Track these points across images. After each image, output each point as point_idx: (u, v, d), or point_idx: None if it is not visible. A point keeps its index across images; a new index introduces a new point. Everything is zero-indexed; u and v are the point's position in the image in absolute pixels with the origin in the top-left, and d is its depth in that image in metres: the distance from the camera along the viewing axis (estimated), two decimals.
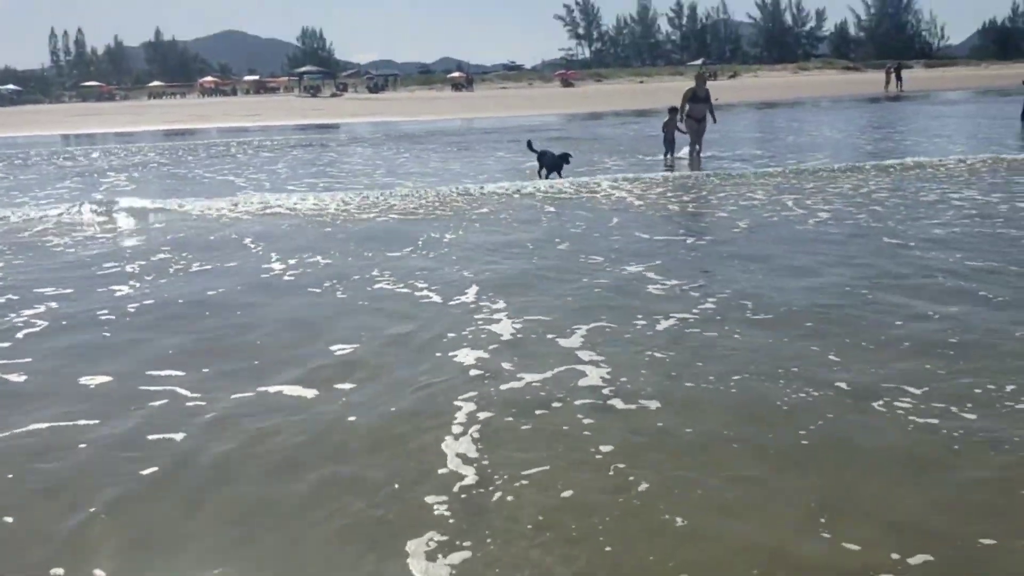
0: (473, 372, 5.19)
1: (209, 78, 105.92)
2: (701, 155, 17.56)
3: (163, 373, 5.35)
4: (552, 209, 11.93)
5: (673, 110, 17.32)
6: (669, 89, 66.95)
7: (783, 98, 48.28)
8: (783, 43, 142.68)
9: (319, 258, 8.87)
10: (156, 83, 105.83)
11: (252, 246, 9.72)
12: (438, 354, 5.56)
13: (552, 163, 15.52)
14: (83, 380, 5.27)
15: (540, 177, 15.46)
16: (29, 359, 5.70)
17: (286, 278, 8.02)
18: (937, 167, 14.66)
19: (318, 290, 7.46)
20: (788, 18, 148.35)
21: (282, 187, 15.38)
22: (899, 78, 52.97)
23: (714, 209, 11.55)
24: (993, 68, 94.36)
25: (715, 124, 17.89)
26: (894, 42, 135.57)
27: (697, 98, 17.16)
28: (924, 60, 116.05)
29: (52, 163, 23.06)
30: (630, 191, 13.38)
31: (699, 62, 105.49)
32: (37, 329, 6.43)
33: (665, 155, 17.62)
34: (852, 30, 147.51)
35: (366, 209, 12.25)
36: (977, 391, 4.63)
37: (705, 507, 3.54)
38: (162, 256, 9.26)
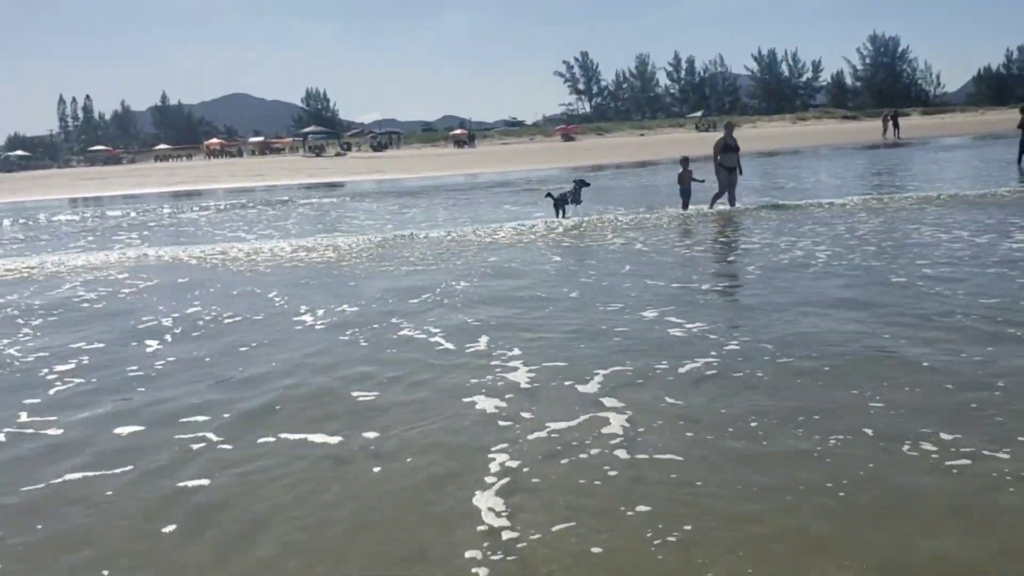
0: (500, 422, 5.15)
1: (215, 140, 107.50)
2: (736, 205, 17.11)
3: (191, 420, 5.43)
4: (558, 258, 12.02)
5: (685, 160, 17.20)
6: (670, 141, 67.93)
7: (783, 147, 48.75)
8: (781, 94, 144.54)
9: (345, 307, 8.99)
10: (162, 146, 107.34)
11: (277, 299, 9.83)
12: (463, 401, 5.58)
13: (572, 194, 17.32)
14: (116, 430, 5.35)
15: (559, 216, 17.07)
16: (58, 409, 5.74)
17: (317, 326, 8.14)
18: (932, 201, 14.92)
19: (344, 337, 7.54)
20: (785, 69, 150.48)
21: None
22: (896, 125, 53.54)
23: (723, 253, 11.62)
24: (990, 113, 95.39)
25: (740, 175, 17.45)
26: (891, 91, 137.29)
27: (728, 148, 16.94)
28: (921, 107, 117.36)
29: (66, 224, 23.30)
30: (635, 237, 13.52)
31: (698, 114, 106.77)
32: (72, 384, 6.47)
33: (684, 207, 17.13)
34: (848, 80, 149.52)
35: (380, 259, 12.39)
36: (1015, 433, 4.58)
37: (739, 566, 3.42)
38: (193, 309, 9.34)
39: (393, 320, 8.22)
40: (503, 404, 5.48)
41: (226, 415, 5.55)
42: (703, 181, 17.35)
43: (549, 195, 17.85)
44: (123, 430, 5.39)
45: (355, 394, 5.83)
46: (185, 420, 5.50)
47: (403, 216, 20.20)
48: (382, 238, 15.33)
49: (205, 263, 13.46)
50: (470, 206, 22.15)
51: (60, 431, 5.46)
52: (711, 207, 17.05)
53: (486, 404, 5.49)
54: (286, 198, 29.66)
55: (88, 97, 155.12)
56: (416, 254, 13.14)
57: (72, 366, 7.11)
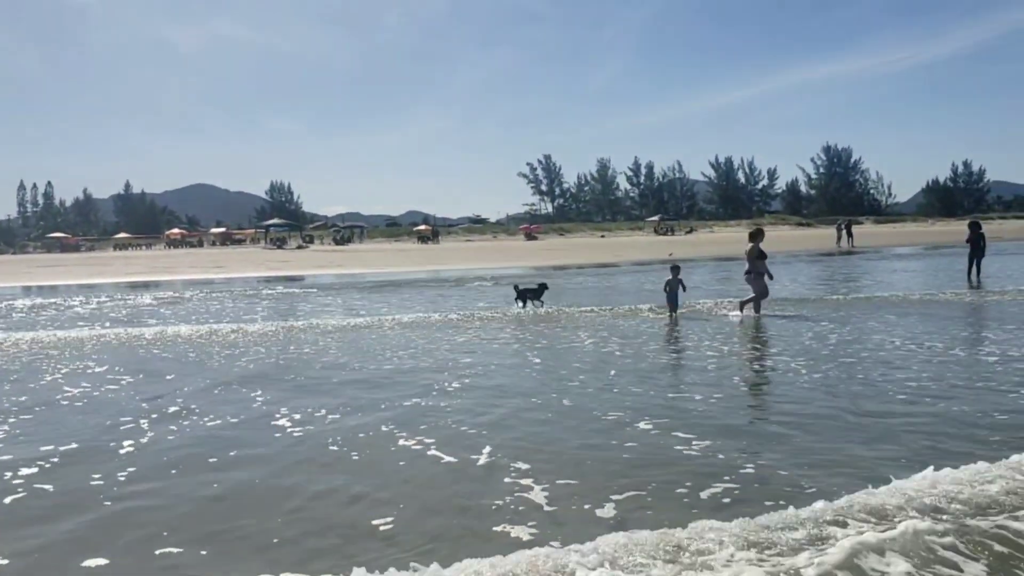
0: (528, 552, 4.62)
1: (176, 230, 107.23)
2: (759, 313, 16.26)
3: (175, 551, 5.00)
4: (538, 361, 11.77)
5: (676, 268, 16.80)
6: (629, 244, 69.02)
7: (739, 253, 49.55)
8: (737, 200, 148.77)
9: (327, 414, 8.56)
10: (122, 235, 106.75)
11: (256, 396, 9.44)
12: (484, 526, 5.23)
13: (535, 293, 19.22)
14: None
15: (521, 307, 18.89)
16: None
17: (294, 432, 7.74)
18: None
19: (335, 448, 7.12)
20: (741, 176, 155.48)
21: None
22: (850, 234, 54.94)
23: (706, 359, 11.45)
24: (939, 224, 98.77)
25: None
26: (844, 199, 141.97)
27: (762, 254, 16.54)
28: (874, 216, 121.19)
29: (16, 314, 22.63)
30: (608, 338, 13.40)
31: (656, 218, 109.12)
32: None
33: (670, 314, 16.58)
34: (803, 188, 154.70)
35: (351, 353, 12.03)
36: None
37: None
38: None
39: (384, 428, 7.84)
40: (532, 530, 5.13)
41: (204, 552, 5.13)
42: (686, 291, 17.12)
43: (515, 287, 19.92)
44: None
45: (374, 521, 5.44)
46: None
47: (368, 308, 19.92)
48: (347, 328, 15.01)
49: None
50: (437, 303, 21.94)
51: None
52: (756, 312, 16.25)
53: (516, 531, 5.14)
54: (245, 289, 29.26)
55: (49, 183, 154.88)
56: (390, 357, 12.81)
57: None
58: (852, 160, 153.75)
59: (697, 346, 12.79)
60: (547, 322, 16.21)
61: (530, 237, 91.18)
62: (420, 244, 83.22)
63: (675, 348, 12.80)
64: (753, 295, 16.43)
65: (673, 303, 16.75)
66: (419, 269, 41.06)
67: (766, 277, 16.47)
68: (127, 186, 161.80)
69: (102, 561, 4.84)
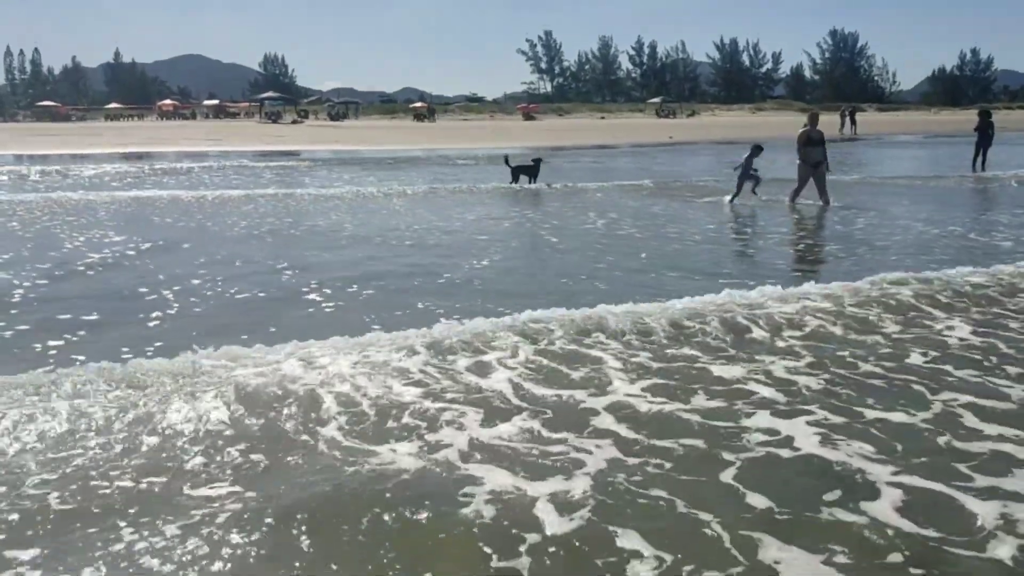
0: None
1: (168, 101, 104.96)
2: (831, 203, 15.04)
3: None
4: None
5: (756, 149, 15.75)
6: (630, 126, 68.09)
7: (741, 138, 49.03)
8: (740, 84, 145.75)
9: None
10: (114, 105, 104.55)
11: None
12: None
13: (530, 171, 19.29)
14: None
15: (516, 183, 19.16)
16: None
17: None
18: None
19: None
20: (746, 59, 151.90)
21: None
22: (853, 121, 54.17)
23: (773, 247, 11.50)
24: (944, 114, 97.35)
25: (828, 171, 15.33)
26: (848, 85, 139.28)
27: (812, 141, 15.09)
28: (877, 104, 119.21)
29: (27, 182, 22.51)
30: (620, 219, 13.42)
31: (658, 100, 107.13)
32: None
33: (732, 198, 15.74)
34: (808, 73, 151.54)
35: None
36: None
37: None
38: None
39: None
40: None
41: None
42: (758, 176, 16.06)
43: (506, 162, 20.07)
44: None
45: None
46: None
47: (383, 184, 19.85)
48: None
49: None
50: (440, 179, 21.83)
51: None
52: (791, 203, 15.30)
53: None
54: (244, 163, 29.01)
55: (36, 50, 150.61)
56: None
57: None
58: (858, 46, 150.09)
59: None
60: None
61: (528, 117, 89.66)
62: (416, 122, 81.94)
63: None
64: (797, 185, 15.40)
65: (740, 184, 15.75)
66: (416, 147, 40.63)
67: (815, 168, 15.05)
68: (116, 55, 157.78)
69: None
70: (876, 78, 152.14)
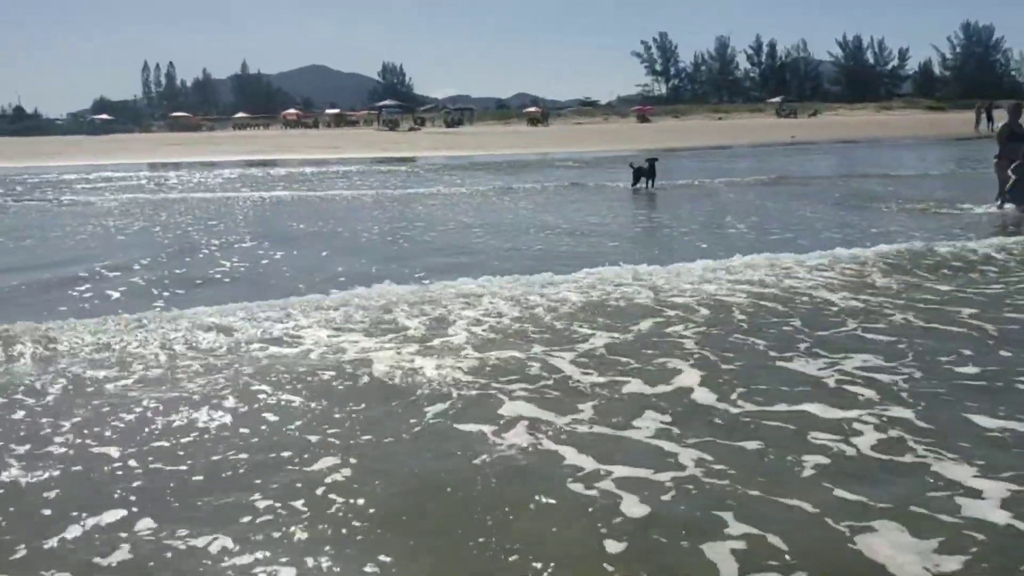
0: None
1: (292, 110, 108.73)
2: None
3: None
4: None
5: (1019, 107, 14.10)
6: (749, 126, 66.42)
7: (865, 136, 47.05)
8: (865, 82, 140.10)
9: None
10: (241, 114, 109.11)
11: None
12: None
13: (648, 172, 19.11)
14: None
15: (635, 188, 19.14)
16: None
17: None
18: None
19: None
20: (870, 56, 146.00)
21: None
22: (990, 118, 51.17)
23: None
24: None
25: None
26: (981, 81, 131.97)
27: (1015, 135, 13.85)
28: (1014, 100, 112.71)
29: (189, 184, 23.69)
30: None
31: (778, 99, 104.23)
32: None
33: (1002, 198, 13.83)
34: (937, 69, 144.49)
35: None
36: None
37: None
38: None
39: None
40: None
41: None
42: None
43: (631, 165, 20.00)
44: None
45: None
46: None
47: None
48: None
49: None
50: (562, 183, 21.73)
51: None
52: (999, 206, 13.74)
53: None
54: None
55: (171, 64, 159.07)
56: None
57: None
58: (993, 39, 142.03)
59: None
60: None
61: (642, 119, 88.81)
62: (530, 127, 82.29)
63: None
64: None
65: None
66: (529, 151, 40.67)
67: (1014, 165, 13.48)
68: (244, 66, 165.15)
69: None
70: (1013, 72, 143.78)
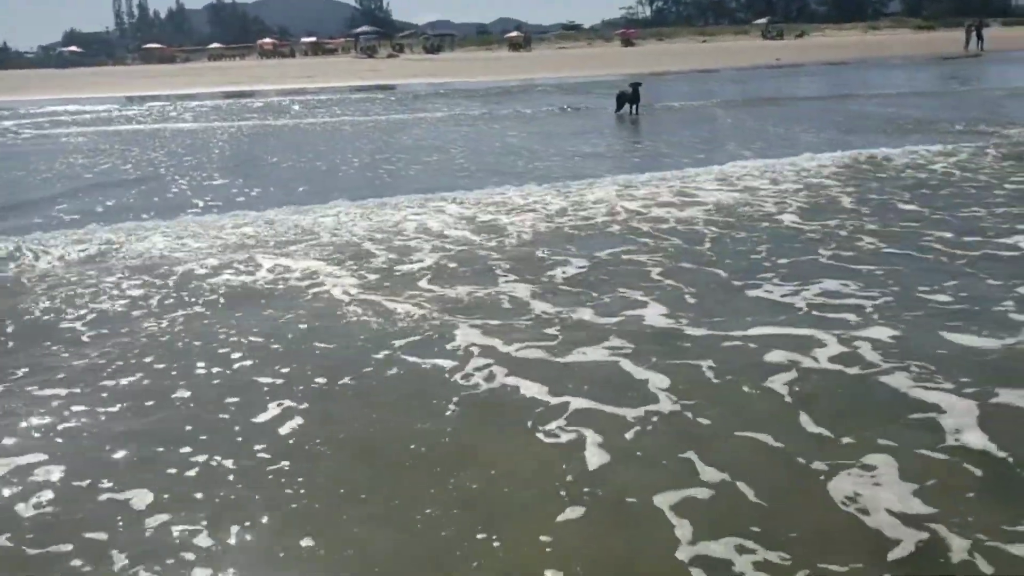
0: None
1: (268, 40, 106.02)
2: None
3: None
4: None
5: None
6: (734, 49, 65.26)
7: (852, 58, 46.30)
8: (851, 1, 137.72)
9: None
10: (216, 45, 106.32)
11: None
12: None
13: (632, 97, 18.37)
14: None
15: (618, 112, 18.54)
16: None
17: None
18: None
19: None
20: None
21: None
22: (980, 37, 50.39)
23: None
24: None
25: None
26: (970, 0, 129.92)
27: None
28: (1002, 18, 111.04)
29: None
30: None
31: (764, 21, 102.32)
32: None
33: None
34: None
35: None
36: None
37: None
38: None
39: None
40: None
41: None
42: None
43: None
44: None
45: None
46: None
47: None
48: None
49: None
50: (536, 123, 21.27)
51: None
52: None
53: None
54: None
55: None
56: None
57: None
58: None
59: None
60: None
61: (627, 43, 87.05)
62: (512, 52, 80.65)
63: None
64: None
65: None
66: (513, 78, 39.83)
67: None
68: None
69: None
70: None
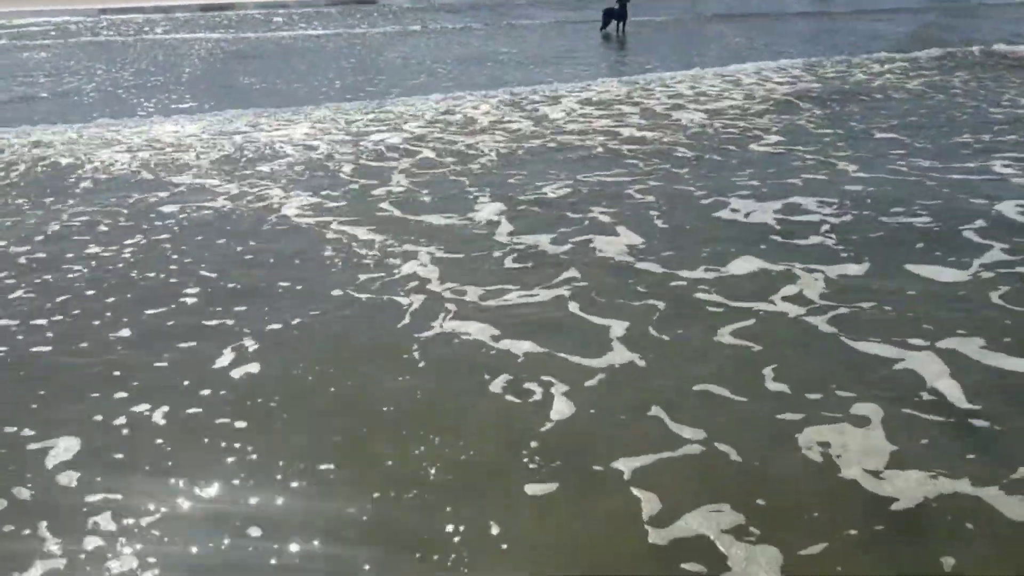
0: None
1: None
2: None
3: None
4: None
5: None
6: None
7: None
8: None
9: None
10: None
11: None
12: None
13: (619, 14, 17.38)
14: None
15: (604, 30, 17.72)
16: None
17: None
18: None
19: None
20: None
21: None
22: None
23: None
24: None
25: None
26: None
27: None
28: None
29: None
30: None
31: None
32: None
33: None
34: None
35: None
36: None
37: None
38: None
39: None
40: None
41: None
42: None
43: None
44: None
45: None
46: None
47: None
48: None
49: None
50: None
51: None
52: None
53: None
54: None
55: None
56: None
57: None
58: None
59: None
60: None
61: None
62: None
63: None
64: None
65: None
66: None
67: None
68: None
69: None
70: None
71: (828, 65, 11.84)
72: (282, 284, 4.58)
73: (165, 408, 3.32)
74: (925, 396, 3.23)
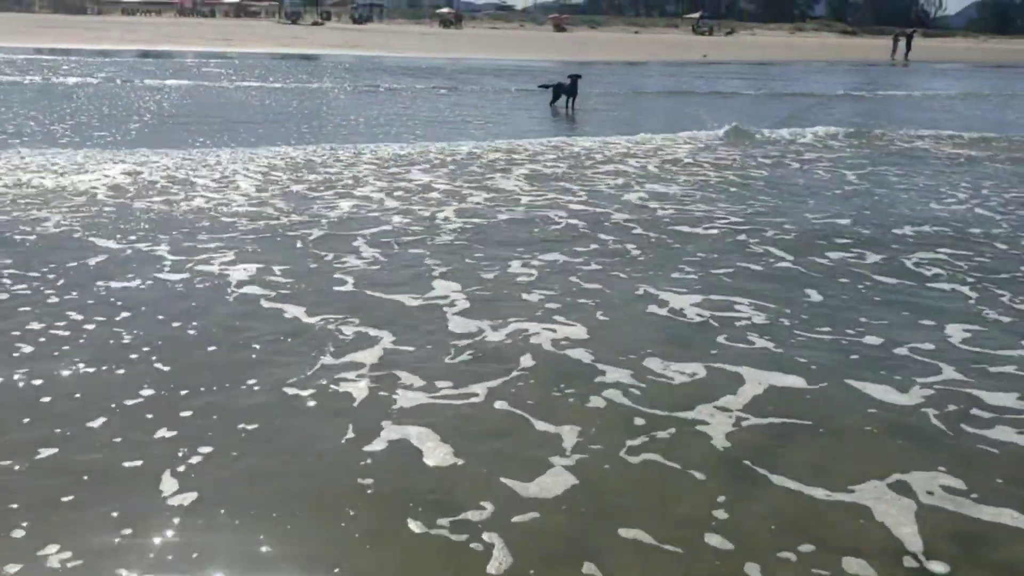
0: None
1: None
2: None
3: None
4: None
5: None
6: (667, 42, 65.03)
7: (782, 59, 46.42)
8: (780, 1, 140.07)
9: None
10: None
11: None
12: None
13: (569, 90, 17.16)
14: None
15: (554, 107, 17.41)
16: None
17: None
18: None
19: None
20: None
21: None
22: (908, 47, 51.23)
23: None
24: (992, 42, 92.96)
25: None
26: (891, 8, 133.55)
27: None
28: (922, 29, 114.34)
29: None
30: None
31: (696, 15, 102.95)
32: None
33: None
34: None
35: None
36: None
37: None
38: None
39: None
40: None
41: None
42: None
43: (543, 86, 18.29)
44: None
45: None
46: None
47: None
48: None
49: None
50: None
51: None
52: None
53: None
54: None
55: None
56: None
57: None
58: None
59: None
60: None
61: (559, 28, 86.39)
62: (442, 28, 79.05)
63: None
64: None
65: None
66: (443, 56, 38.49)
67: None
68: None
69: None
70: (921, 1, 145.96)
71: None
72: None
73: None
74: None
